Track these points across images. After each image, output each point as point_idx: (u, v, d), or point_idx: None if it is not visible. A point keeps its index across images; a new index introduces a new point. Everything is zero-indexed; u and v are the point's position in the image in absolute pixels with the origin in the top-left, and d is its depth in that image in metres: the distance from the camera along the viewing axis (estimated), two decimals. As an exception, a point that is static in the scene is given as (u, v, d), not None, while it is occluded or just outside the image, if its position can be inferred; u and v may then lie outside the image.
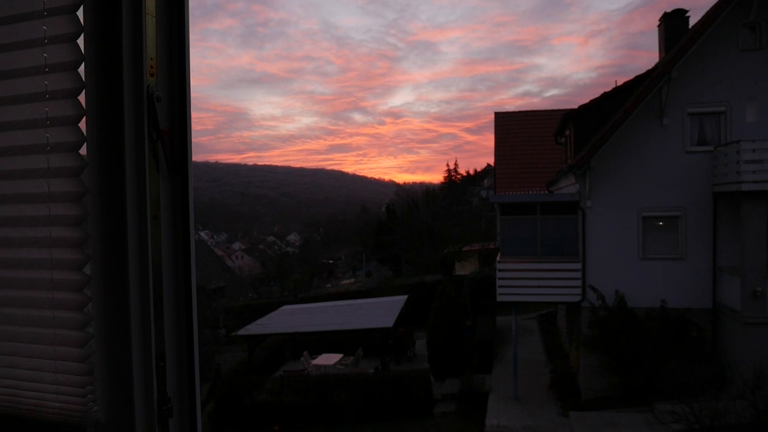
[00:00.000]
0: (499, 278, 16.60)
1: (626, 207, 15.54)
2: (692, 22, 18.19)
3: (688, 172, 15.06)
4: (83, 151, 1.01)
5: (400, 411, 16.52)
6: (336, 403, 16.66)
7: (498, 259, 17.10)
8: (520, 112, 31.59)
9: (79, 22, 0.98)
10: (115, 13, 0.97)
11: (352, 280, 51.29)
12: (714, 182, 14.60)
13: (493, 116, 31.82)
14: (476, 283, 25.22)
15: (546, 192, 23.79)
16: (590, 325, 15.34)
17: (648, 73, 17.15)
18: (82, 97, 1.01)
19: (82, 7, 0.98)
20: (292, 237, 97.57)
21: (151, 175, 1.01)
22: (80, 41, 0.99)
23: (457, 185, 75.08)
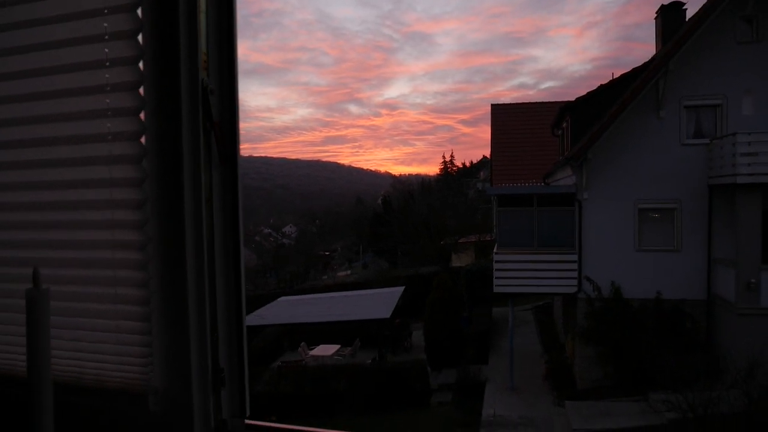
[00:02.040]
0: (496, 269, 16.72)
1: (622, 199, 15.65)
2: (689, 14, 18.25)
3: (684, 165, 15.18)
4: (143, 140, 1.09)
5: (397, 401, 16.66)
6: (333, 394, 16.78)
7: (495, 250, 17.21)
8: (516, 104, 31.64)
9: (139, 19, 1.05)
10: (171, 10, 1.04)
11: (349, 272, 51.39)
12: (710, 175, 14.72)
13: (489, 108, 31.87)
14: (472, 275, 25.33)
15: (542, 184, 23.90)
16: (586, 316, 15.49)
17: (645, 66, 17.22)
18: (141, 90, 1.08)
19: (140, 6, 1.05)
20: (288, 229, 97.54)
21: (204, 163, 1.08)
22: (139, 37, 1.06)
23: (453, 177, 75.20)
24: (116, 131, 1.09)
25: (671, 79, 15.05)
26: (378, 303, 22.19)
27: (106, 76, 1.09)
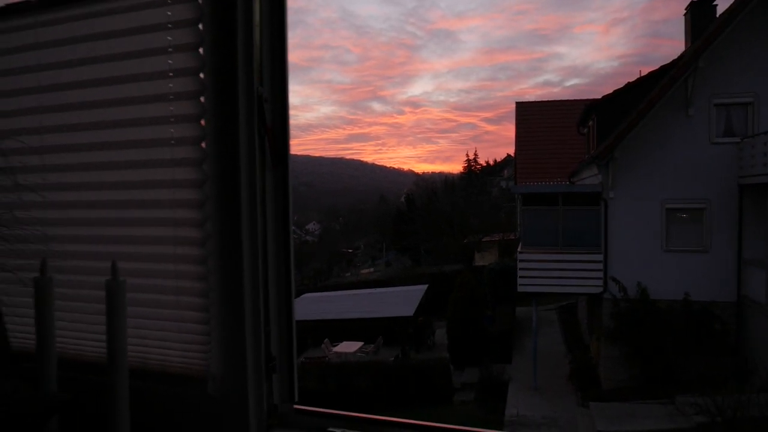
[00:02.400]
0: (520, 269, 16.65)
1: (650, 198, 15.46)
2: (719, 11, 17.94)
3: (713, 164, 14.94)
4: (203, 144, 1.17)
5: (419, 399, 16.70)
6: (356, 390, 16.89)
7: (519, 249, 17.14)
8: (541, 102, 31.39)
9: (200, 33, 1.14)
10: (230, 25, 1.12)
11: (372, 269, 51.52)
12: (740, 174, 14.47)
13: (513, 106, 31.68)
14: (496, 274, 25.22)
15: (568, 183, 23.70)
16: (612, 317, 15.34)
17: (673, 63, 16.98)
18: (202, 99, 1.16)
19: (201, 21, 1.14)
20: (312, 226, 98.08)
21: (259, 165, 1.17)
22: (200, 50, 1.15)
23: (476, 175, 74.74)
24: (179, 136, 1.19)
25: (701, 76, 14.82)
26: (401, 301, 22.26)
27: (170, 85, 1.18)
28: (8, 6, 1.34)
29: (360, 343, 21.29)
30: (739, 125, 14.98)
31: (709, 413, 10.69)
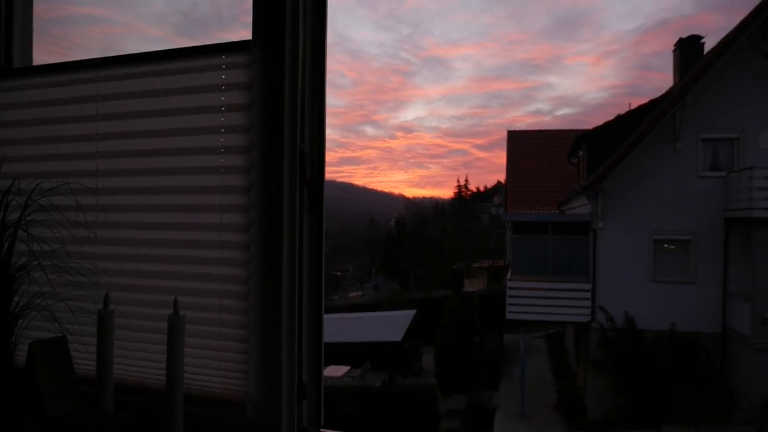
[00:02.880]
0: (509, 296, 16.76)
1: (638, 229, 15.69)
2: (707, 47, 18.45)
3: (700, 197, 15.23)
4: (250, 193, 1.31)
5: (405, 425, 16.63)
6: (343, 414, 16.79)
7: (508, 276, 17.28)
8: (532, 131, 31.87)
9: (251, 95, 1.29)
10: (278, 89, 1.28)
11: (360, 293, 51.31)
12: (726, 208, 14.76)
13: (504, 133, 32.16)
14: (485, 300, 25.28)
15: (557, 212, 23.96)
16: (599, 346, 15.45)
17: (662, 98, 17.38)
18: (250, 153, 1.30)
19: (253, 85, 1.28)
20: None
21: (299, 212, 1.30)
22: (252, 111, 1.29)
23: (467, 201, 75.09)
24: (228, 185, 1.34)
25: (688, 111, 15.19)
26: (389, 325, 22.24)
27: (221, 140, 1.34)
28: (71, 63, 1.48)
29: (347, 368, 21.19)
30: (725, 160, 15.32)
31: (694, 445, 10.79)
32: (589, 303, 16.07)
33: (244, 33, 1.34)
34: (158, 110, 1.44)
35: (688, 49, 19.48)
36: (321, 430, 1.36)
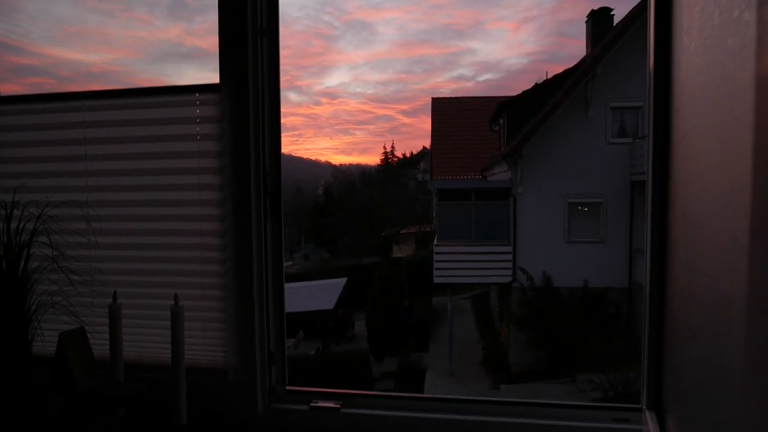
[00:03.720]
0: (436, 261, 17.48)
1: (554, 193, 16.67)
2: (617, 19, 19.48)
3: (609, 162, 16.33)
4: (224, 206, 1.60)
5: (341, 389, 17.11)
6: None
7: (435, 242, 17.97)
8: (456, 98, 32.43)
9: (222, 126, 1.60)
10: (244, 121, 1.61)
11: (290, 263, 51.27)
12: (632, 172, 15.93)
13: (428, 99, 32.57)
14: (413, 266, 26.04)
15: (480, 177, 24.85)
16: (519, 304, 16.46)
17: (576, 67, 18.32)
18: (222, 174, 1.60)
19: (222, 120, 1.57)
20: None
21: (263, 218, 1.63)
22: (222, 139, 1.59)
23: (393, 168, 75.55)
24: (205, 199, 1.67)
25: (598, 81, 16.14)
26: (321, 294, 22.54)
27: (198, 162, 1.66)
28: (60, 94, 1.71)
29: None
30: (631, 127, 16.46)
31: (603, 389, 11.90)
32: (510, 264, 17.02)
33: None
34: (142, 136, 1.73)
35: (599, 20, 20.50)
36: (286, 386, 1.72)
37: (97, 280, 1.74)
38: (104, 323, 1.58)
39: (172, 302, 1.45)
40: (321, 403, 1.70)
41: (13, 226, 1.54)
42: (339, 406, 1.67)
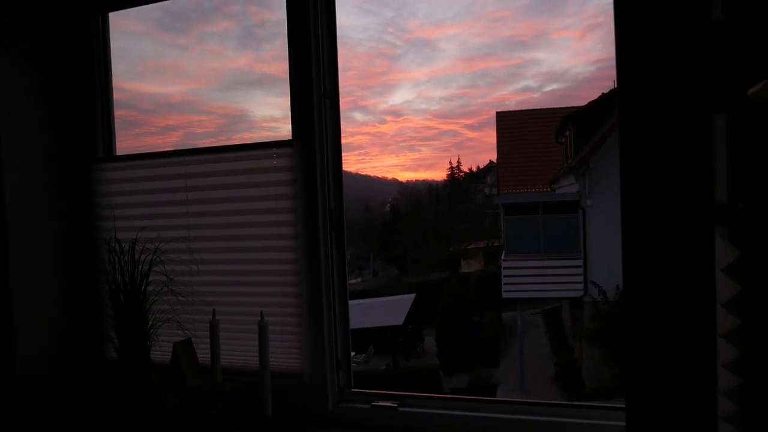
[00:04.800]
0: (504, 276, 17.43)
1: (623, 206, 16.29)
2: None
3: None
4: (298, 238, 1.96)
5: (413, 404, 17.23)
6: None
7: (503, 257, 17.94)
8: (520, 110, 32.20)
9: (294, 174, 1.98)
10: (312, 170, 2.00)
11: (359, 280, 51.94)
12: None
13: (493, 112, 32.56)
14: (482, 281, 25.90)
15: (548, 190, 24.55)
16: (592, 319, 16.12)
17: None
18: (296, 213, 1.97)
19: (294, 169, 1.95)
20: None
21: (330, 248, 1.99)
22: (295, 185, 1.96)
23: (460, 183, 75.38)
24: (282, 233, 2.05)
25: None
26: (390, 310, 22.83)
27: (276, 204, 2.05)
28: (165, 152, 2.16)
29: (352, 353, 21.81)
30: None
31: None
32: (581, 278, 16.73)
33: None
34: (231, 183, 2.15)
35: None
36: (352, 389, 2.06)
37: (200, 300, 2.14)
38: (205, 335, 1.97)
39: (259, 318, 1.81)
40: (381, 403, 2.04)
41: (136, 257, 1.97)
42: (396, 405, 1.99)
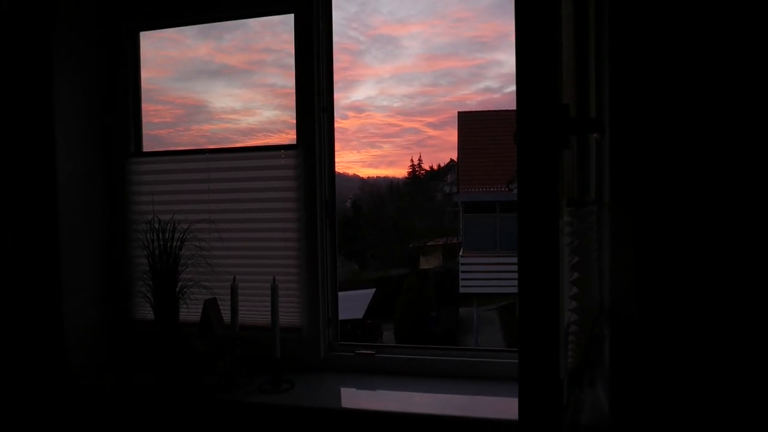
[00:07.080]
0: (462, 272, 18.12)
1: (575, 206, 17.13)
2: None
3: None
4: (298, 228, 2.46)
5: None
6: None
7: (461, 253, 18.60)
8: (481, 111, 32.90)
9: (297, 173, 2.52)
10: (312, 168, 2.52)
11: (319, 275, 51.97)
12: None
13: (455, 111, 33.15)
14: (440, 276, 26.50)
15: (506, 189, 25.34)
16: (543, 313, 16.89)
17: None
18: (297, 203, 2.46)
19: (296, 166, 2.44)
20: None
21: (323, 229, 2.49)
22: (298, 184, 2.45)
23: (421, 180, 75.87)
24: (286, 217, 2.58)
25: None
26: (350, 304, 23.15)
27: (282, 194, 2.60)
28: (190, 150, 2.66)
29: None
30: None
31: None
32: (534, 275, 17.45)
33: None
34: (245, 177, 2.69)
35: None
36: (339, 342, 2.62)
37: (222, 270, 2.66)
38: (227, 295, 2.50)
39: (271, 281, 2.35)
40: (362, 351, 2.59)
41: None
42: (374, 353, 2.53)
